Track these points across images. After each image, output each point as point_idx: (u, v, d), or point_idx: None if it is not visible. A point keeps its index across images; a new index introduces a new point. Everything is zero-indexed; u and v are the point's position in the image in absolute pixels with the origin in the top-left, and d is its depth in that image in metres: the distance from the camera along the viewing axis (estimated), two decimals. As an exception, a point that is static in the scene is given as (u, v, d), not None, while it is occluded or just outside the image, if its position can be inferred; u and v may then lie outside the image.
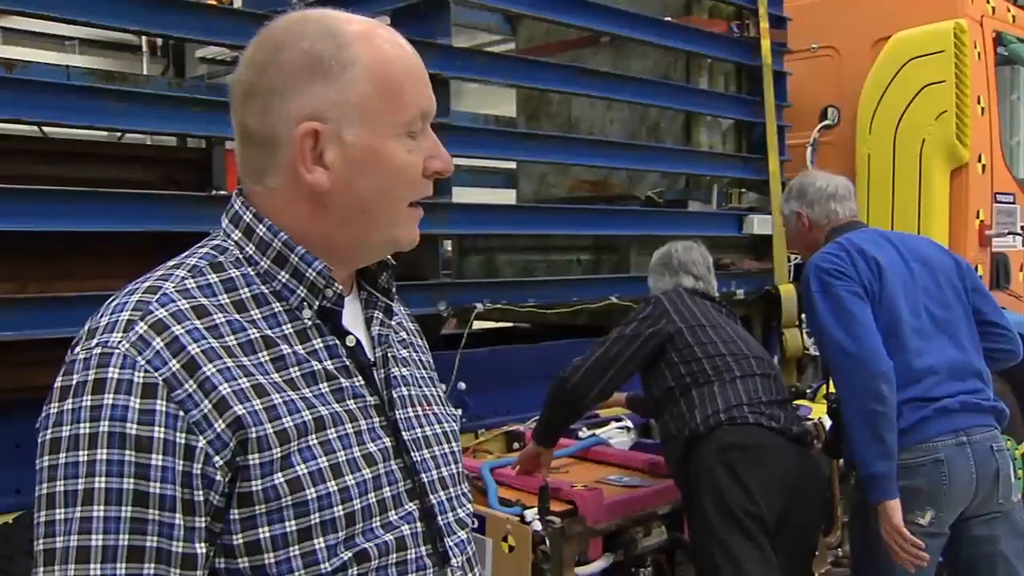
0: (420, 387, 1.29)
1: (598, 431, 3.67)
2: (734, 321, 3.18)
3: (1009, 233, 4.87)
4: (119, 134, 3.60)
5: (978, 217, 4.75)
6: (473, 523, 1.34)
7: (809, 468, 2.90)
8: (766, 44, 4.53)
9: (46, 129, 3.00)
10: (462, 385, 3.40)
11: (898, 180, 4.77)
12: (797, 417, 2.97)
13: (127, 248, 2.45)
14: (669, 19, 4.36)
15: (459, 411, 3.34)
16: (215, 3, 3.70)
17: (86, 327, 1.06)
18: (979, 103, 4.71)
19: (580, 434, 3.59)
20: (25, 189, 2.34)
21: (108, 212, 2.45)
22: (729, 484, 2.74)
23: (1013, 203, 4.98)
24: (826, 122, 4.93)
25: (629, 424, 3.80)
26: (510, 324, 4.83)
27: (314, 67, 1.11)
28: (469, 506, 1.30)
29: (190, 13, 2.67)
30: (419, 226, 1.21)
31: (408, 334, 1.37)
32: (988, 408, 2.79)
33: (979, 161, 4.74)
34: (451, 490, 1.25)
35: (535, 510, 2.73)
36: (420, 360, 1.35)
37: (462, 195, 6.06)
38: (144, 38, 10.95)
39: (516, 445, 3.56)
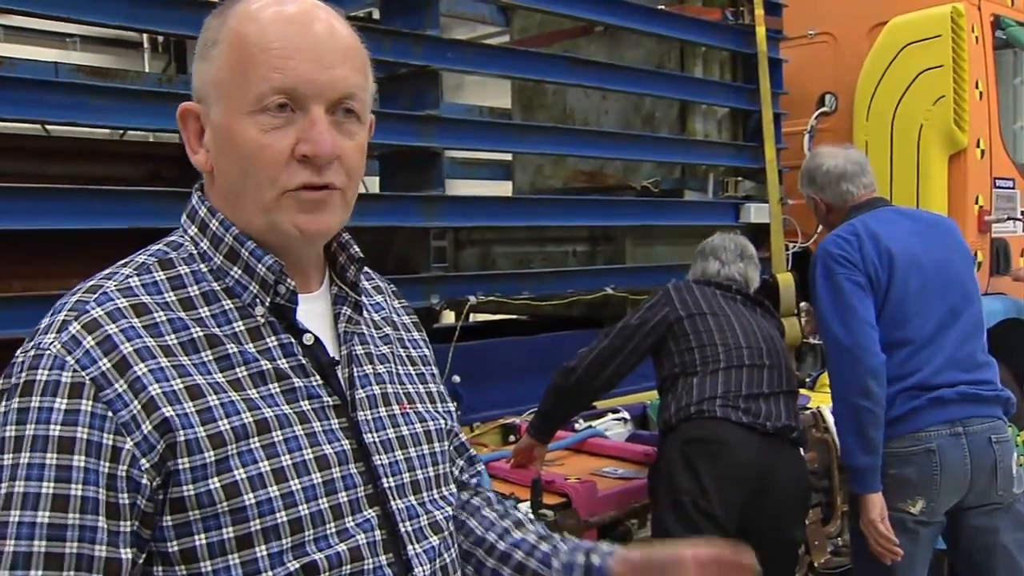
0: (401, 384, 1.24)
1: (594, 423, 3.65)
2: (751, 310, 3.11)
3: (1009, 218, 4.83)
4: (121, 132, 3.59)
5: (977, 203, 4.71)
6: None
7: (781, 463, 2.83)
8: (761, 31, 4.49)
9: (33, 127, 2.98)
10: (456, 378, 3.38)
11: (896, 166, 4.73)
12: (787, 410, 2.90)
13: (112, 245, 2.42)
14: (663, 7, 4.33)
15: (453, 404, 3.32)
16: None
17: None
18: (977, 88, 4.67)
19: (576, 426, 3.57)
20: (8, 187, 2.33)
21: (92, 209, 2.44)
22: (684, 478, 2.72)
23: (1013, 188, 4.93)
24: (823, 109, 4.89)
25: (626, 415, 3.78)
26: (510, 316, 4.82)
27: (201, 50, 1.12)
28: (448, 509, 1.24)
29: (174, 8, 2.64)
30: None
31: (395, 328, 1.32)
32: (990, 398, 2.76)
33: (978, 146, 4.69)
34: (425, 494, 1.19)
35: (528, 503, 2.72)
36: (406, 356, 1.30)
37: (457, 187, 6.07)
38: (145, 35, 10.91)
39: (512, 438, 3.54)
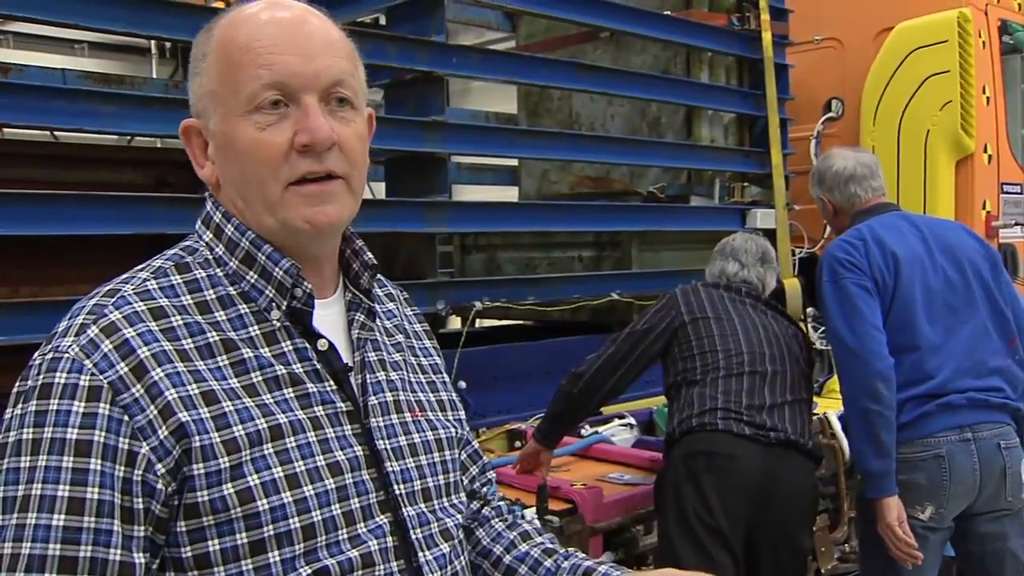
0: (413, 392, 1.25)
1: (601, 428, 3.65)
2: (760, 313, 3.07)
3: (1016, 224, 4.82)
4: (128, 138, 3.61)
5: (984, 208, 4.70)
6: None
7: (786, 472, 2.79)
8: (767, 37, 4.48)
9: (37, 132, 2.99)
10: (463, 384, 3.38)
11: (903, 172, 4.72)
12: (794, 422, 2.85)
13: (120, 251, 2.43)
14: (668, 13, 4.33)
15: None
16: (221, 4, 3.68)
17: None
18: (984, 93, 4.66)
19: (583, 431, 3.57)
20: (15, 193, 2.33)
21: (99, 216, 2.45)
22: (689, 493, 2.71)
23: (1020, 193, 4.92)
24: (830, 114, 4.89)
25: (632, 421, 3.78)
26: (516, 322, 4.82)
27: (193, 66, 1.14)
28: (459, 516, 1.24)
29: (180, 14, 2.65)
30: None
31: (407, 336, 1.32)
32: (998, 405, 2.75)
33: (985, 151, 4.68)
34: (436, 501, 1.20)
35: (534, 509, 2.71)
36: (418, 364, 1.30)
37: (463, 193, 6.05)
38: (152, 41, 10.97)
39: (518, 444, 3.54)
